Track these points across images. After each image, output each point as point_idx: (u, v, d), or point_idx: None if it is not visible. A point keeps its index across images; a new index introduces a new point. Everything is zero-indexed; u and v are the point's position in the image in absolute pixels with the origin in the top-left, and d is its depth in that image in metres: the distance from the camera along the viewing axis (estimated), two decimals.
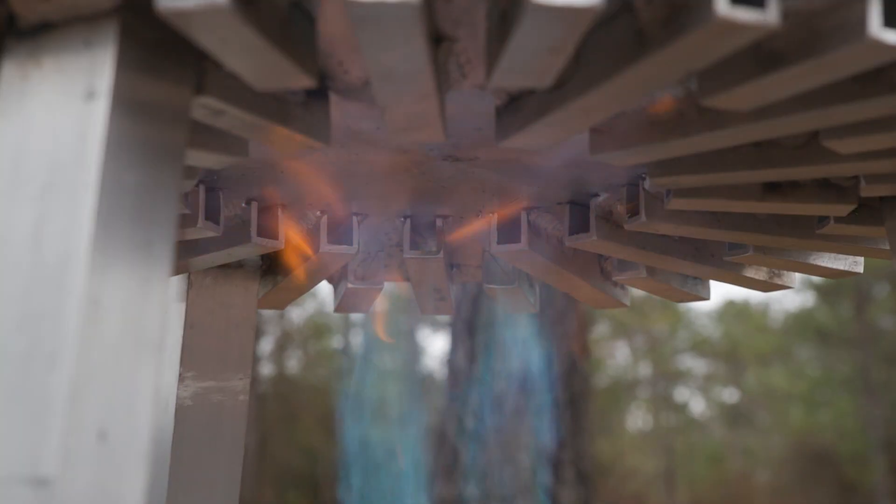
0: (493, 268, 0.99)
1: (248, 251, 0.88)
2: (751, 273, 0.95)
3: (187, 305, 0.97)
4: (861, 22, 0.47)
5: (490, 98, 0.64)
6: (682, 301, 1.05)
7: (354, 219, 0.90)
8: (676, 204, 0.78)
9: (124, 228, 0.48)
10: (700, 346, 10.96)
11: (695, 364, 11.21)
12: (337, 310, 1.06)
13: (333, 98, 0.64)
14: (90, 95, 0.49)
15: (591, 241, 0.87)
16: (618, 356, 11.09)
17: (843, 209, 0.78)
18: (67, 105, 0.49)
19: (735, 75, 0.53)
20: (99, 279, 0.47)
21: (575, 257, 0.96)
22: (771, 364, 10.54)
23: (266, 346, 9.27)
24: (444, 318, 4.39)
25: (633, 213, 0.82)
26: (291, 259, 0.95)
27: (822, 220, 0.82)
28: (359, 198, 0.87)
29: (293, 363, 10.07)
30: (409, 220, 0.92)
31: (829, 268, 0.92)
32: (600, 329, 10.21)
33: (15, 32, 0.52)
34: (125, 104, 0.49)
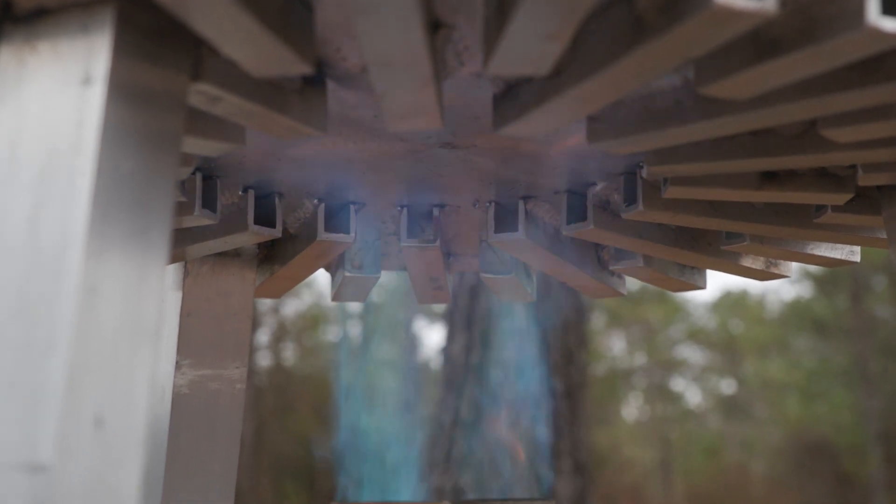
0: (490, 257, 0.99)
1: (245, 239, 0.88)
2: (747, 262, 0.96)
3: (184, 293, 0.97)
4: (859, 10, 0.46)
5: (488, 86, 0.64)
6: (678, 290, 1.05)
7: (351, 207, 0.90)
8: (673, 192, 0.78)
9: (121, 216, 0.48)
10: (697, 337, 10.97)
11: (691, 354, 11.22)
12: (334, 298, 1.06)
13: (331, 85, 0.64)
14: (87, 81, 0.49)
15: (588, 230, 0.87)
16: (615, 346, 11.10)
17: (841, 198, 0.78)
18: (64, 91, 0.49)
19: (733, 63, 0.52)
20: (95, 266, 0.47)
21: (572, 246, 0.96)
22: (768, 355, 10.55)
23: (263, 336, 9.27)
24: (441, 307, 4.39)
25: (631, 201, 0.82)
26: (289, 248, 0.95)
27: (820, 209, 0.82)
28: (356, 186, 0.87)
29: (290, 354, 10.08)
30: (406, 209, 0.92)
31: (826, 257, 0.92)
32: (597, 319, 10.20)
33: (11, 18, 0.52)
34: (122, 90, 0.49)
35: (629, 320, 10.53)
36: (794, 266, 1.00)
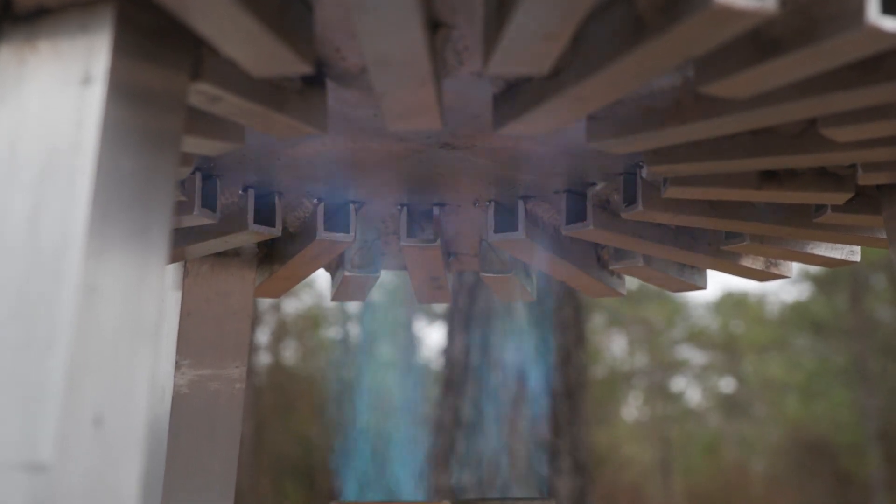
0: (490, 256, 0.99)
1: (244, 239, 0.88)
2: (747, 262, 0.96)
3: (184, 293, 0.97)
4: (859, 9, 0.46)
5: (487, 85, 0.64)
6: (678, 290, 1.05)
7: (351, 206, 0.90)
8: (673, 192, 0.78)
9: (121, 215, 0.48)
10: (697, 337, 10.96)
11: (692, 354, 11.20)
12: (334, 298, 1.05)
13: (330, 85, 0.64)
14: (87, 80, 0.49)
15: (587, 230, 0.87)
16: (615, 346, 11.09)
17: (841, 198, 0.78)
18: (64, 90, 0.49)
19: (733, 62, 0.52)
20: (95, 266, 0.47)
21: (572, 246, 0.96)
22: (768, 354, 10.54)
23: (263, 336, 9.26)
24: (441, 307, 4.39)
25: (630, 201, 0.82)
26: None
27: (819, 208, 0.82)
28: (356, 185, 0.87)
29: (290, 353, 10.07)
30: (405, 209, 0.92)
31: (826, 257, 0.92)
32: (597, 319, 10.20)
33: (11, 17, 0.52)
34: (122, 89, 0.49)
35: (629, 320, 10.52)
36: (794, 266, 1.00)
